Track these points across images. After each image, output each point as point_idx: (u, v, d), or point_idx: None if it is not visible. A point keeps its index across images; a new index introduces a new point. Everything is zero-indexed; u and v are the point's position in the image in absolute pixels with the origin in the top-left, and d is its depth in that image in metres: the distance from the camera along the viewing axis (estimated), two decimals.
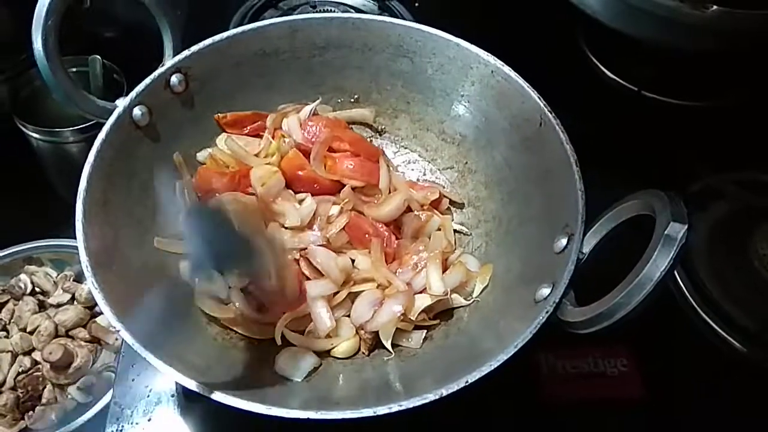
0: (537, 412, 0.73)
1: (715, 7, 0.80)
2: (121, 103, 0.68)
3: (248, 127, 0.79)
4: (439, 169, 0.82)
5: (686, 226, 0.50)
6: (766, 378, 0.76)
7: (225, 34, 0.74)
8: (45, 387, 0.79)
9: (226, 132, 0.78)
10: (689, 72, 1.02)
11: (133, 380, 0.69)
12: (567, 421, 0.73)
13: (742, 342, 0.77)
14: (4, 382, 0.80)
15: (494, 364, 0.53)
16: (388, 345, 0.65)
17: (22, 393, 0.78)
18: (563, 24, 1.11)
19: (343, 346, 0.66)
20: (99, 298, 0.55)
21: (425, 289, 0.68)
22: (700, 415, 0.74)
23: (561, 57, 1.09)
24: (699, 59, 0.99)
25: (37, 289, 0.87)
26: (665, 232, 0.50)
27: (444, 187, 0.80)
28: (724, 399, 0.75)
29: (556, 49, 1.10)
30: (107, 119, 0.66)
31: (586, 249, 0.60)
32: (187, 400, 0.68)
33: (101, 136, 0.65)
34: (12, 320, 0.84)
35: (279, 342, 0.66)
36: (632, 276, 0.51)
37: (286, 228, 0.70)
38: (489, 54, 0.74)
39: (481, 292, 0.69)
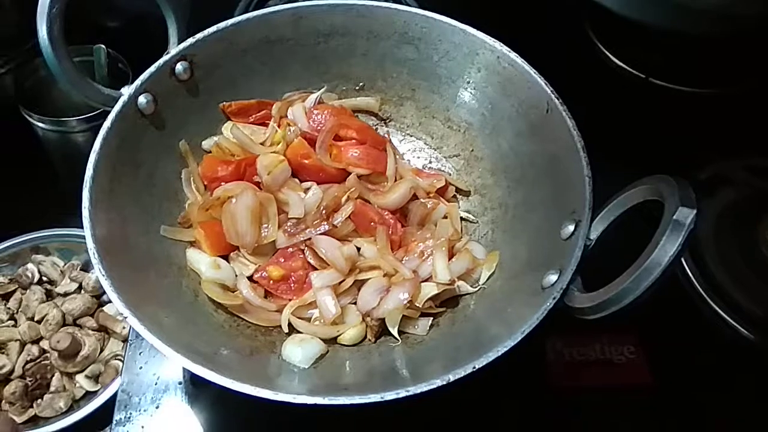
0: (544, 399, 0.73)
1: None
2: (126, 91, 0.67)
3: (254, 116, 0.79)
4: (445, 157, 0.82)
5: (695, 211, 0.49)
6: None
7: (230, 22, 0.74)
8: (53, 375, 0.79)
9: (232, 120, 0.78)
10: (697, 59, 1.02)
11: (140, 368, 0.70)
12: (574, 408, 0.73)
13: (749, 328, 0.77)
14: (13, 370, 0.80)
15: (501, 350, 0.53)
16: (394, 332, 0.65)
17: (30, 381, 0.78)
18: (570, 10, 1.10)
19: (349, 333, 0.66)
20: (107, 285, 0.55)
21: (432, 276, 0.68)
22: (707, 401, 0.74)
23: (567, 44, 1.08)
24: (707, 46, 0.98)
25: (44, 279, 0.87)
26: (674, 217, 0.49)
27: (450, 175, 0.80)
28: (731, 385, 0.75)
29: (562, 35, 1.09)
30: (113, 107, 0.66)
31: (594, 235, 0.60)
32: (194, 387, 0.69)
33: (107, 124, 0.65)
34: (20, 309, 0.84)
35: (286, 329, 0.66)
36: (640, 261, 0.50)
37: (291, 218, 0.70)
38: (495, 40, 0.73)
39: (488, 279, 0.69)
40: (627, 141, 0.95)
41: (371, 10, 0.77)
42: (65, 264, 0.89)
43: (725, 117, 0.99)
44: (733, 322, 0.77)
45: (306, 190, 0.72)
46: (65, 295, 0.85)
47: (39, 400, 0.78)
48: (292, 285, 0.68)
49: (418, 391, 0.51)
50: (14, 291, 0.86)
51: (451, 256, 0.70)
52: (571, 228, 0.61)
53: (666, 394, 0.73)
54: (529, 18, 1.09)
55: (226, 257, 0.70)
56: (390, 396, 0.50)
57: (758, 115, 0.98)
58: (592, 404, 0.73)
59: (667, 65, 1.02)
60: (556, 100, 0.67)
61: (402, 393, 0.50)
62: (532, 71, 0.70)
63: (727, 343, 0.77)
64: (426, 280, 0.68)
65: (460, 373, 0.51)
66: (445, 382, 0.51)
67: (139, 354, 0.71)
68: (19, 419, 0.76)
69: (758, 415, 0.73)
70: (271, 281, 0.68)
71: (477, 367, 0.51)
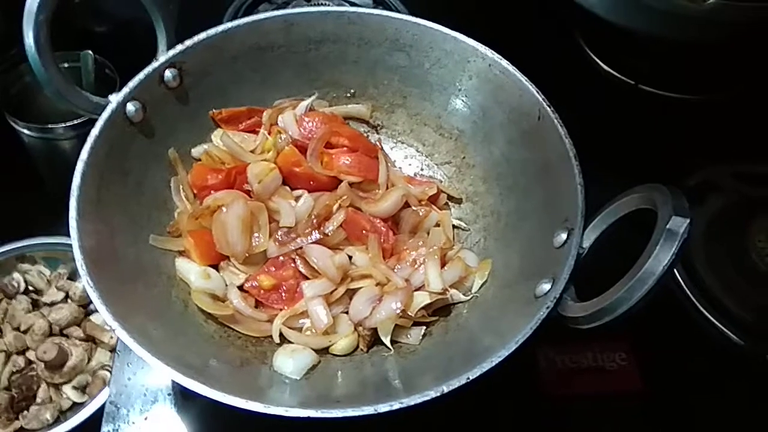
0: (536, 406, 0.73)
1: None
2: (115, 98, 0.66)
3: (244, 123, 0.78)
4: (436, 164, 0.81)
5: (688, 220, 0.49)
6: (763, 370, 0.76)
7: (219, 28, 0.73)
8: (40, 386, 0.78)
9: (222, 128, 0.77)
10: (686, 65, 1.02)
11: (129, 379, 0.69)
12: (566, 415, 0.73)
13: (740, 334, 0.77)
14: None
15: (495, 360, 0.52)
16: (387, 342, 0.65)
17: (16, 393, 0.77)
18: (559, 17, 1.10)
19: (341, 343, 0.65)
20: (94, 296, 0.55)
21: (424, 285, 0.67)
22: (698, 407, 0.75)
23: (557, 51, 1.09)
24: (695, 52, 0.99)
25: (30, 288, 0.86)
26: (667, 227, 0.49)
27: (442, 182, 0.80)
28: (722, 391, 0.76)
29: (552, 42, 1.10)
30: (100, 115, 0.65)
31: (586, 243, 0.60)
32: (184, 398, 0.68)
33: (94, 132, 0.64)
34: (5, 319, 0.83)
35: (277, 340, 0.66)
36: (634, 271, 0.50)
37: (282, 227, 0.70)
38: (487, 47, 0.73)
39: (480, 288, 0.69)
40: (616, 147, 0.95)
41: (362, 17, 0.76)
42: (51, 273, 0.87)
43: (713, 123, 0.99)
44: (724, 329, 0.78)
45: (297, 199, 0.72)
46: (52, 304, 0.84)
47: (25, 412, 0.77)
48: (283, 294, 0.67)
49: (412, 402, 0.50)
50: None
51: (443, 264, 0.69)
52: (564, 236, 0.61)
53: (657, 400, 0.73)
54: (519, 26, 1.10)
55: (216, 266, 0.69)
56: (384, 408, 0.50)
57: (746, 122, 0.99)
58: (584, 411, 0.73)
59: (655, 72, 1.03)
60: (548, 108, 0.68)
61: (396, 405, 0.50)
62: (524, 79, 0.70)
63: (718, 349, 0.78)
64: (418, 289, 0.68)
65: (455, 384, 0.51)
66: (439, 394, 0.51)
67: (128, 365, 0.70)
68: None
69: (749, 421, 0.74)
70: (262, 291, 0.67)
71: (471, 378, 0.51)
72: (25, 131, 0.95)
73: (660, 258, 0.49)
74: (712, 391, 0.75)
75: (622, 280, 0.51)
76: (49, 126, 0.93)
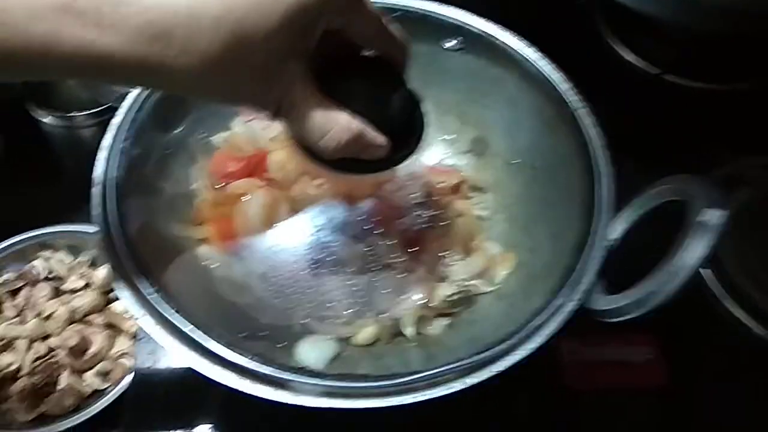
0: (559, 398, 0.72)
1: None
2: None
3: None
4: (459, 153, 0.80)
5: (723, 212, 0.48)
6: None
7: None
8: (61, 373, 0.79)
9: (243, 115, 0.76)
10: (712, 54, 1.00)
11: (150, 367, 0.69)
12: (589, 408, 0.72)
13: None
14: (20, 368, 0.79)
15: (521, 354, 0.52)
16: (409, 333, 0.64)
17: (39, 379, 0.78)
18: (581, 5, 1.08)
19: (363, 334, 0.65)
20: (117, 284, 0.55)
21: (447, 276, 0.67)
22: (725, 404, 0.73)
23: (579, 39, 1.07)
24: (722, 41, 0.97)
25: (52, 275, 0.86)
26: (700, 219, 0.48)
27: (464, 171, 0.78)
28: (749, 389, 0.74)
29: (574, 30, 1.08)
30: (122, 102, 0.65)
31: (615, 236, 0.59)
32: (205, 387, 0.67)
33: (117, 120, 0.64)
34: (27, 306, 0.83)
35: (299, 329, 0.65)
36: (666, 264, 0.49)
37: None
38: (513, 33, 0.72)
39: (505, 279, 0.68)
40: (640, 138, 0.93)
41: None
42: (73, 260, 0.88)
43: (741, 114, 0.97)
44: (752, 325, 0.76)
45: (318, 188, 0.71)
46: (73, 291, 0.84)
47: (47, 399, 0.77)
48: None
49: (437, 394, 0.50)
50: (22, 288, 0.85)
51: (466, 254, 0.68)
52: (592, 227, 0.59)
53: (682, 395, 0.72)
54: (540, 13, 1.08)
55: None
56: (407, 399, 0.49)
57: None
58: (607, 404, 0.72)
59: (681, 61, 1.00)
60: (575, 96, 0.66)
61: (419, 396, 0.50)
62: (551, 66, 0.69)
63: (745, 346, 0.76)
64: (441, 280, 0.67)
65: (480, 376, 0.50)
66: (464, 386, 0.50)
67: (148, 353, 0.70)
68: (27, 418, 0.76)
69: None
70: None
71: (497, 371, 0.50)
72: (47, 120, 0.95)
73: (693, 251, 0.48)
74: (739, 388, 0.74)
75: (652, 273, 0.50)
76: (71, 114, 0.93)
